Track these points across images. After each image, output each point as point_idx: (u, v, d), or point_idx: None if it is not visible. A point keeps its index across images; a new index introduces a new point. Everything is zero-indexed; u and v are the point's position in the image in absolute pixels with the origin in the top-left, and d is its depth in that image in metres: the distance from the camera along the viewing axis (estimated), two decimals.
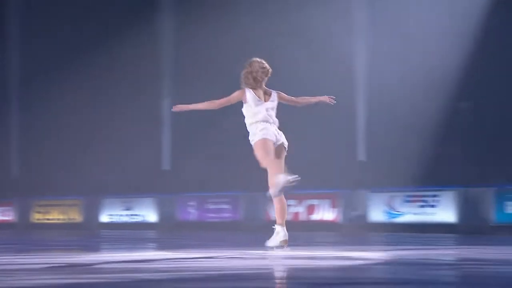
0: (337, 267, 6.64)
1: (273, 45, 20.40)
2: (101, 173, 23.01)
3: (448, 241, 12.68)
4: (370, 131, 20.35)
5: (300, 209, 19.27)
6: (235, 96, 8.54)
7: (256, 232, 17.98)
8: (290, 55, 19.60)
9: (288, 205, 19.26)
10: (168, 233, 18.32)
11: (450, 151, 18.21)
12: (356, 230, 17.83)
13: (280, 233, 8.42)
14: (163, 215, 21.71)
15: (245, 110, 8.57)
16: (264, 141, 8.36)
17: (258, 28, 20.86)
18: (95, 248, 10.65)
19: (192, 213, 21.24)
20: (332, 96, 8.77)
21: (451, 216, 16.80)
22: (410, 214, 17.42)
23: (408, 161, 18.88)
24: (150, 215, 22.02)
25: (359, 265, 6.90)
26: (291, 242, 11.88)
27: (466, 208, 16.69)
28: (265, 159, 8.38)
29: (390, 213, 17.73)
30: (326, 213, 18.83)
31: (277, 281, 5.44)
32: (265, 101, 8.51)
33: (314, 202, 19.02)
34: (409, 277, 5.73)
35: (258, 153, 8.40)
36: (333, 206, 18.71)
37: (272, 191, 8.29)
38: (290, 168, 19.83)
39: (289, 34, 20.23)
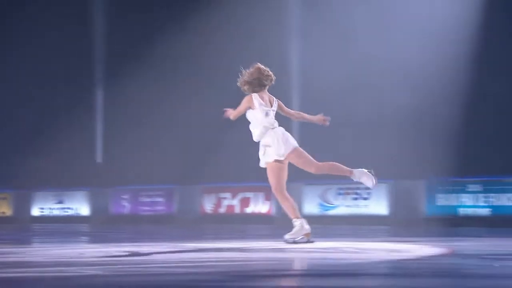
0: (268, 259, 6.68)
1: (206, 41, 20.42)
2: (32, 166, 22.66)
3: (380, 233, 12.84)
4: (302, 125, 20.49)
5: (234, 202, 19.30)
6: (244, 104, 8.51)
7: (190, 226, 17.95)
8: (223, 53, 19.64)
9: (223, 198, 19.52)
10: (101, 226, 18.15)
11: (381, 145, 18.45)
12: (290, 223, 17.92)
13: (303, 227, 8.54)
14: (96, 208, 21.50)
15: (251, 115, 8.53)
16: (297, 148, 8.46)
17: (192, 25, 20.81)
18: (24, 242, 10.49)
19: (125, 206, 21.08)
20: (327, 118, 8.93)
21: (384, 208, 17.06)
22: (343, 207, 17.62)
23: (341, 154, 19.05)
24: (83, 208, 21.79)
25: (290, 256, 6.95)
26: (227, 235, 11.90)
27: (398, 200, 16.97)
28: (310, 162, 8.50)
29: (323, 205, 17.90)
30: (260, 206, 18.90)
31: (205, 273, 5.44)
32: (271, 106, 8.56)
33: (248, 195, 19.09)
34: (338, 269, 5.79)
35: (301, 161, 8.47)
36: (267, 199, 18.80)
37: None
38: (225, 161, 19.65)
39: (221, 31, 20.25)
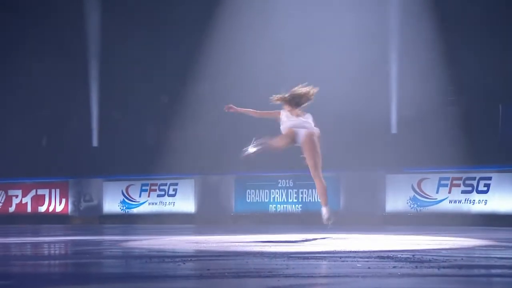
0: (65, 263, 6.39)
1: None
2: None
3: (187, 231, 12.76)
4: (103, 117, 20.29)
5: (26, 200, 18.63)
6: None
7: None
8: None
9: (14, 196, 18.80)
10: None
11: (184, 140, 18.48)
12: (90, 221, 17.64)
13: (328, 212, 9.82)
14: None
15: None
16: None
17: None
18: None
19: None
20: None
21: (191, 205, 16.95)
22: (147, 204, 17.40)
23: (144, 148, 18.98)
24: None
25: (84, 259, 6.75)
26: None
27: (206, 197, 16.88)
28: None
29: (126, 203, 17.61)
30: (56, 204, 18.40)
31: None
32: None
33: (43, 192, 18.50)
34: (139, 271, 5.59)
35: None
36: (64, 196, 18.30)
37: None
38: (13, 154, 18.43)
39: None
